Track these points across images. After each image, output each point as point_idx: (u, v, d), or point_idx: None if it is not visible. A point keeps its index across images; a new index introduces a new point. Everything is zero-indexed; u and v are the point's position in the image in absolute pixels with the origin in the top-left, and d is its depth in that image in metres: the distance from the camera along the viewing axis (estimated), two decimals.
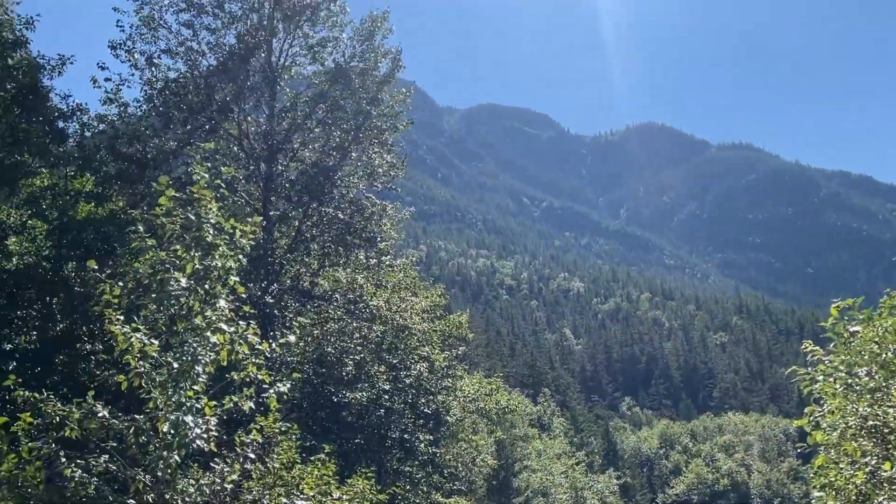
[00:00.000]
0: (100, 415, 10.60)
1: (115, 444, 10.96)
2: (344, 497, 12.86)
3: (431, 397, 30.21)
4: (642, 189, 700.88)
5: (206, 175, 11.72)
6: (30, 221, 26.14)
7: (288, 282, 28.59)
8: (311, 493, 11.97)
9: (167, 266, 11.05)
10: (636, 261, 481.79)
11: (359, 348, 28.68)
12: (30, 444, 10.40)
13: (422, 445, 28.46)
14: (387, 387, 28.15)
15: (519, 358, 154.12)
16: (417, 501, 28.23)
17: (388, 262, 30.73)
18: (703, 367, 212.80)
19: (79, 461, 10.43)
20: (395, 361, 29.47)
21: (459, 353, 35.60)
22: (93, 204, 25.62)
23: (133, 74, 27.38)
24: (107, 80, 26.73)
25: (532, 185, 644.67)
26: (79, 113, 26.02)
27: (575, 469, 69.04)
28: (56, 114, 25.56)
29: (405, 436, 28.07)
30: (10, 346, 24.17)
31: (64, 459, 10.33)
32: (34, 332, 24.97)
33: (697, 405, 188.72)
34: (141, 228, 11.22)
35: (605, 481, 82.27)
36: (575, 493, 64.33)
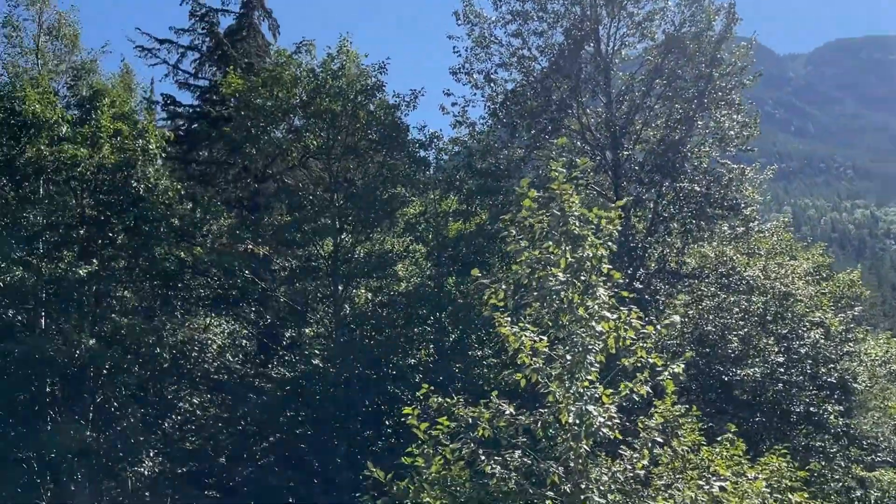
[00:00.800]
0: (507, 413, 11.13)
1: (524, 440, 11.44)
2: (759, 476, 12.17)
3: (833, 365, 27.70)
4: None
5: (564, 170, 11.85)
6: (411, 246, 28.79)
7: (653, 265, 28.12)
8: (726, 474, 11.50)
9: (542, 263, 11.33)
10: None
11: (741, 323, 27.26)
12: (451, 445, 11.23)
13: (831, 417, 26.19)
14: (780, 359, 26.38)
15: None
16: (836, 477, 26.01)
17: (756, 229, 28.90)
18: None
19: (496, 458, 11.05)
20: (784, 332, 27.55)
21: (855, 314, 32.29)
22: (461, 221, 27.49)
23: (475, 94, 28.97)
24: (453, 104, 28.60)
25: None
26: (435, 140, 28.19)
27: None
28: (416, 145, 27.95)
29: (811, 409, 26.04)
30: (413, 360, 26.70)
31: (483, 457, 11.01)
32: (431, 346, 27.38)
33: None
34: (513, 231, 11.65)
35: None
36: None
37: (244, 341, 27.25)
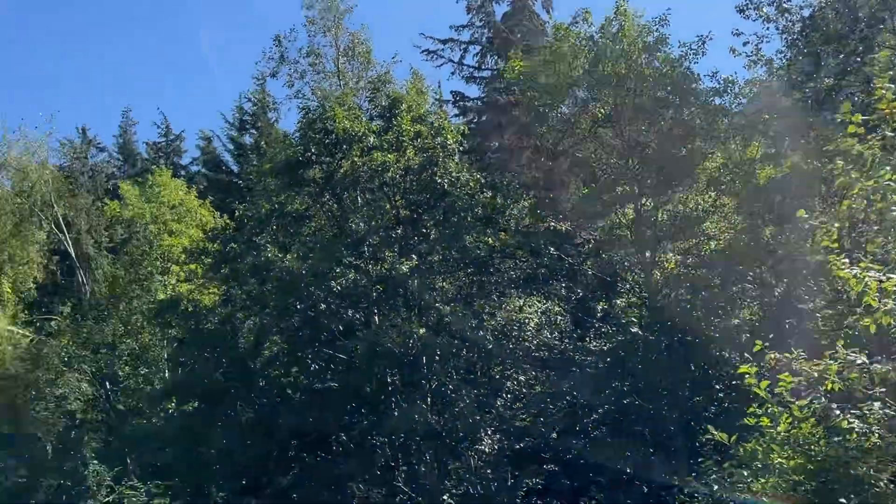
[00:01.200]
0: (858, 363, 10.08)
1: (882, 391, 10.30)
2: None
3: None
4: None
5: (892, 86, 10.49)
6: (717, 201, 27.35)
7: None
8: None
9: (882, 193, 10.09)
10: None
11: None
12: (798, 402, 10.42)
13: None
14: None
15: None
16: None
17: None
18: None
19: (853, 412, 10.07)
20: None
21: None
22: (771, 166, 25.58)
23: (767, 29, 26.78)
24: (745, 44, 26.62)
25: None
26: (730, 85, 26.44)
27: None
28: (710, 93, 26.46)
29: None
30: (736, 320, 25.32)
31: (838, 412, 10.08)
32: (754, 303, 25.86)
33: None
34: (840, 163, 10.51)
35: None
36: None
37: (558, 317, 27.55)
